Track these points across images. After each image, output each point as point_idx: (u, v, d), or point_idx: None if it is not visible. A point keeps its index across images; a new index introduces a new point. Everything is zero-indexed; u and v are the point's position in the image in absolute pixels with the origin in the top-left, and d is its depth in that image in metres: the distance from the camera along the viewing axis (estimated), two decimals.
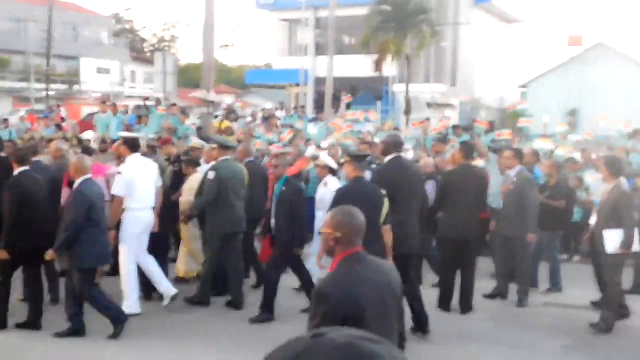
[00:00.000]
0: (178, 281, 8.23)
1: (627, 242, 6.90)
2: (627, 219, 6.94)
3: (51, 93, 37.08)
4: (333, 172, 7.96)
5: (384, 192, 5.94)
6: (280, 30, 40.15)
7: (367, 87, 33.43)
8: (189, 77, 48.90)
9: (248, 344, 6.22)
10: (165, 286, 7.35)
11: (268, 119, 17.76)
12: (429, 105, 23.65)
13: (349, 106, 21.49)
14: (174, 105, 17.13)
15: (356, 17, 30.10)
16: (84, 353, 6.13)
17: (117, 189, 7.10)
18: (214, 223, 7.46)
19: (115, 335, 6.29)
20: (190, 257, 8.50)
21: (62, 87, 42.76)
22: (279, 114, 22.63)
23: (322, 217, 7.94)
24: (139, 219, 7.14)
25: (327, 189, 7.79)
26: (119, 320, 6.36)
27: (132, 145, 7.36)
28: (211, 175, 7.44)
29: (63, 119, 20.39)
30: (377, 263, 3.06)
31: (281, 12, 38.20)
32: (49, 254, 6.40)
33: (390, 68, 28.74)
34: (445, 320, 7.27)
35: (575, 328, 7.14)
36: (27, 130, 16.94)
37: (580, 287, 8.47)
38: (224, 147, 7.77)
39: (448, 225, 7.52)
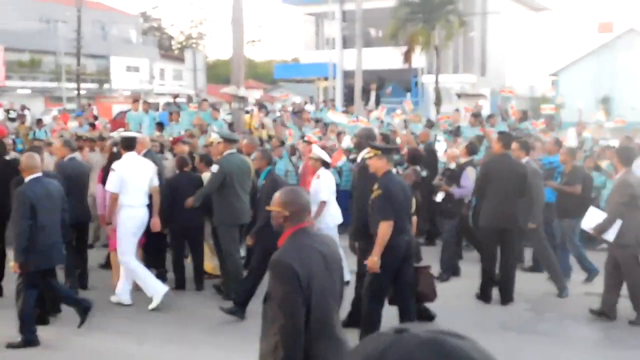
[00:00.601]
0: (209, 277, 8.40)
1: (601, 228, 6.91)
2: (613, 207, 6.91)
3: (82, 92, 37.62)
4: (326, 164, 8.08)
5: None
6: (307, 24, 40.12)
7: (396, 79, 33.26)
8: (216, 73, 49.20)
9: None
10: (126, 290, 7.41)
11: (298, 112, 17.78)
12: (459, 95, 23.44)
13: (378, 99, 21.40)
14: (205, 101, 17.26)
15: (382, 9, 29.91)
16: (123, 350, 6.24)
17: (108, 186, 7.31)
18: (221, 215, 7.61)
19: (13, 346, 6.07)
20: (212, 253, 8.58)
21: (93, 85, 43.37)
22: (308, 107, 22.64)
23: (313, 210, 8.05)
24: (131, 216, 7.29)
25: (319, 181, 7.94)
26: (28, 340, 6.10)
27: (127, 144, 7.53)
28: (214, 168, 7.64)
29: (96, 117, 20.67)
30: (321, 236, 3.46)
31: (307, 6, 38.14)
32: (13, 266, 6.15)
33: (418, 59, 28.55)
34: (485, 311, 7.23)
35: (618, 317, 7.03)
36: (55, 129, 17.19)
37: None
38: (229, 141, 7.86)
39: (490, 214, 7.50)
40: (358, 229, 6.39)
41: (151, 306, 7.23)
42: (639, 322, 6.82)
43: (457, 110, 16.26)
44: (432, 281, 6.23)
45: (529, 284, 8.41)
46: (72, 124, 18.27)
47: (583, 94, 27.64)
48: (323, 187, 7.86)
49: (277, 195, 3.40)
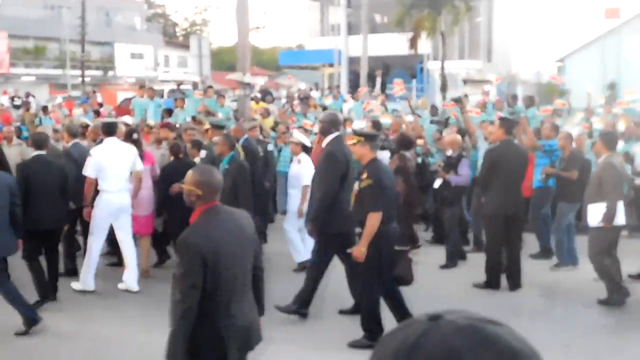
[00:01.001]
0: None
1: (609, 216, 6.85)
2: (610, 192, 6.86)
3: (87, 79, 37.56)
4: (306, 149, 8.09)
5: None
6: (312, 10, 39.88)
7: (401, 65, 33.09)
8: (221, 60, 49.04)
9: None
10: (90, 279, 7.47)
11: (304, 99, 17.70)
12: (465, 81, 23.26)
13: (384, 85, 21.29)
14: (210, 87, 17.20)
15: None
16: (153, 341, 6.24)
17: (86, 170, 7.35)
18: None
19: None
20: None
21: (97, 73, 43.27)
22: (314, 94, 22.56)
23: (295, 194, 8.19)
24: (109, 200, 7.35)
25: (300, 166, 7.99)
26: (28, 319, 6.13)
27: (108, 130, 7.62)
28: (203, 154, 7.83)
29: (100, 105, 20.64)
30: (233, 213, 3.65)
31: None
32: None
33: (424, 45, 28.37)
34: (495, 298, 7.21)
35: (629, 303, 7.00)
36: (66, 116, 17.19)
37: (629, 262, 8.30)
38: (217, 127, 7.95)
39: (497, 201, 7.45)
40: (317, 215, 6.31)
41: (74, 284, 7.43)
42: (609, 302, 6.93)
43: (465, 96, 16.12)
44: (410, 265, 6.11)
45: (537, 270, 8.40)
46: (77, 111, 18.26)
47: (589, 79, 27.43)
48: (305, 172, 7.88)
49: (191, 173, 3.57)
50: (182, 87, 20.86)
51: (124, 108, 22.78)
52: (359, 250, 5.58)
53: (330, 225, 6.19)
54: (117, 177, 7.39)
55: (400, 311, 5.82)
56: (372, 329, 5.71)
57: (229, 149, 7.16)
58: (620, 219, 6.94)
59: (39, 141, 7.22)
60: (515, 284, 7.49)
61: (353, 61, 32.41)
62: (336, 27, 36.26)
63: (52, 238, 7.14)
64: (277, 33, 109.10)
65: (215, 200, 3.54)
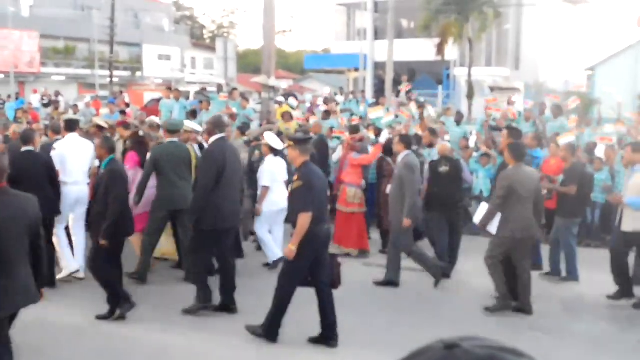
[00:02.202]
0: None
1: (484, 219, 7.10)
2: (492, 200, 7.18)
3: (114, 79, 38.01)
4: (274, 151, 8.45)
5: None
6: (338, 14, 39.86)
7: (427, 71, 32.90)
8: (247, 63, 49.28)
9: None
10: (69, 260, 7.83)
11: (326, 103, 17.67)
12: (492, 89, 23.02)
13: (409, 92, 21.16)
14: (235, 90, 17.25)
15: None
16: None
17: None
18: (155, 201, 7.92)
19: None
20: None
21: (125, 73, 43.76)
22: (338, 98, 22.51)
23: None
24: (69, 192, 7.79)
25: (262, 167, 8.46)
26: None
27: (69, 126, 8.22)
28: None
29: (127, 105, 20.82)
30: (20, 196, 4.51)
31: None
32: None
33: (451, 51, 28.15)
34: (512, 314, 7.06)
35: None
36: (93, 116, 17.36)
37: None
38: (170, 131, 8.25)
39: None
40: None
41: (59, 276, 7.66)
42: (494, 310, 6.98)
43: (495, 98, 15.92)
44: (340, 270, 6.23)
45: (556, 284, 8.24)
46: (104, 111, 18.44)
47: (620, 89, 26.98)
48: (265, 173, 8.38)
49: None
50: (205, 91, 20.94)
51: (150, 108, 22.96)
52: (289, 249, 5.78)
53: (204, 222, 6.51)
54: (76, 170, 7.89)
55: (324, 313, 5.98)
56: (274, 325, 5.95)
57: (107, 152, 7.05)
58: (493, 228, 7.00)
59: (26, 137, 7.60)
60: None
61: (378, 66, 32.30)
62: (362, 32, 36.18)
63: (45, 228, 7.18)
64: (303, 37, 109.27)
65: (4, 183, 4.37)
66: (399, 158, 8.03)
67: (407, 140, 8.25)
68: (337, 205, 9.54)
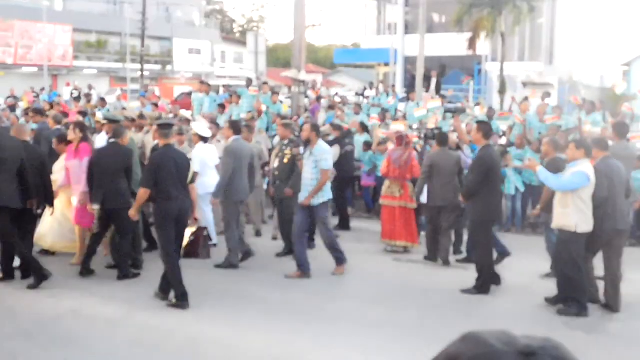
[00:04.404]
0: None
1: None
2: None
3: (145, 73, 38.33)
4: (204, 139, 8.89)
5: (190, 156, 7.20)
6: (369, 8, 39.61)
7: (458, 66, 32.53)
8: (276, 57, 49.36)
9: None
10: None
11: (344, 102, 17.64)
12: (525, 84, 22.72)
13: (439, 86, 20.95)
14: (266, 84, 17.23)
15: None
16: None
17: None
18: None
19: None
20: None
21: (156, 67, 44.10)
22: (368, 93, 22.38)
23: (201, 180, 8.86)
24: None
25: (193, 154, 8.88)
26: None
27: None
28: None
29: (159, 98, 20.96)
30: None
31: None
32: None
33: (482, 46, 27.80)
34: (545, 308, 6.92)
35: None
36: (123, 109, 17.52)
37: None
38: (111, 122, 8.77)
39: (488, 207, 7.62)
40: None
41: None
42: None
43: (526, 99, 15.65)
44: (207, 242, 7.39)
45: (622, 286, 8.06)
46: (134, 104, 18.59)
47: None
48: (195, 160, 8.59)
49: None
50: (233, 88, 20.90)
51: (180, 102, 23.10)
52: (132, 213, 7.02)
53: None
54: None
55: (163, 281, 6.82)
56: (180, 292, 6.63)
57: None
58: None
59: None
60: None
61: (409, 61, 32.06)
62: (393, 26, 35.93)
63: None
64: (333, 31, 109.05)
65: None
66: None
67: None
68: (382, 200, 9.48)
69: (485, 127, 7.59)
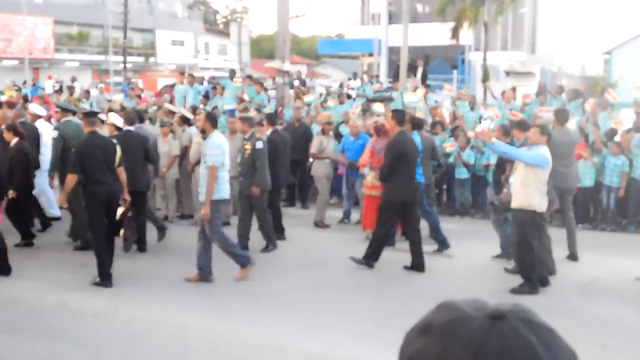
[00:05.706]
0: None
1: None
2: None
3: (128, 65, 38.02)
4: (119, 129, 8.81)
5: (115, 141, 7.54)
6: None
7: (442, 55, 32.59)
8: (260, 48, 49.16)
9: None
10: None
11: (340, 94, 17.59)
12: (507, 73, 22.78)
13: (425, 75, 21.00)
14: (249, 77, 17.19)
15: None
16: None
17: None
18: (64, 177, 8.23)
19: None
20: None
21: (139, 59, 43.75)
22: (353, 83, 22.39)
23: None
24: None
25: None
26: None
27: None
28: (54, 134, 8.91)
29: (142, 90, 20.83)
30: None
31: None
32: None
33: (466, 36, 27.86)
34: (531, 296, 7.02)
35: None
36: (107, 101, 17.41)
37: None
38: (65, 110, 9.25)
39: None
40: None
41: None
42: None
43: (513, 89, 15.63)
44: (132, 224, 7.68)
45: (577, 268, 8.18)
46: (118, 97, 18.47)
47: (637, 73, 26.57)
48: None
49: None
50: (218, 75, 20.84)
51: (164, 94, 22.96)
52: (61, 199, 7.77)
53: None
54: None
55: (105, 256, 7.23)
56: (104, 272, 7.08)
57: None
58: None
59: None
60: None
61: (393, 51, 32.08)
62: (377, 16, 35.90)
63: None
64: (317, 22, 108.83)
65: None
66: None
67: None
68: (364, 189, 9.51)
69: (398, 115, 8.05)
